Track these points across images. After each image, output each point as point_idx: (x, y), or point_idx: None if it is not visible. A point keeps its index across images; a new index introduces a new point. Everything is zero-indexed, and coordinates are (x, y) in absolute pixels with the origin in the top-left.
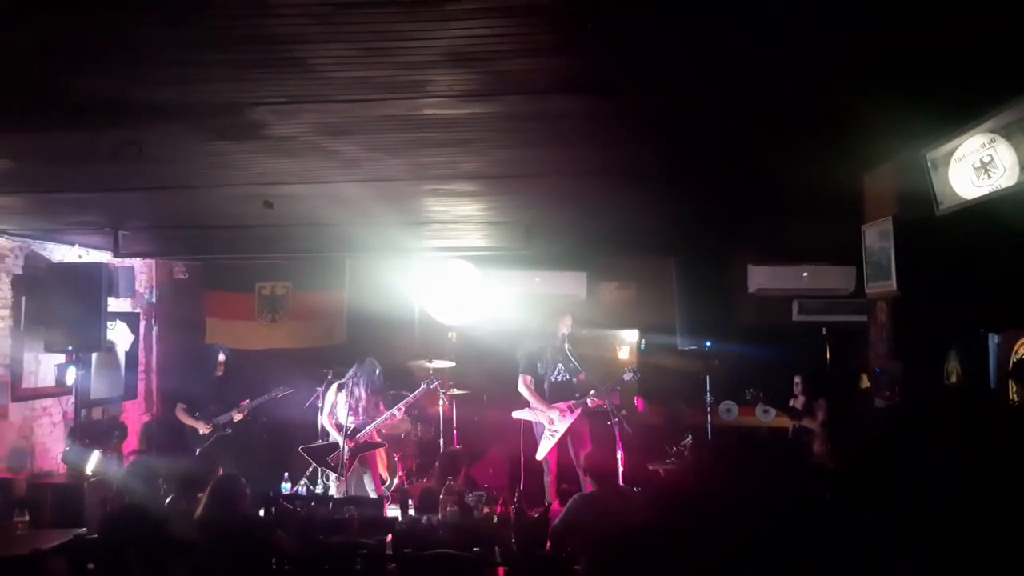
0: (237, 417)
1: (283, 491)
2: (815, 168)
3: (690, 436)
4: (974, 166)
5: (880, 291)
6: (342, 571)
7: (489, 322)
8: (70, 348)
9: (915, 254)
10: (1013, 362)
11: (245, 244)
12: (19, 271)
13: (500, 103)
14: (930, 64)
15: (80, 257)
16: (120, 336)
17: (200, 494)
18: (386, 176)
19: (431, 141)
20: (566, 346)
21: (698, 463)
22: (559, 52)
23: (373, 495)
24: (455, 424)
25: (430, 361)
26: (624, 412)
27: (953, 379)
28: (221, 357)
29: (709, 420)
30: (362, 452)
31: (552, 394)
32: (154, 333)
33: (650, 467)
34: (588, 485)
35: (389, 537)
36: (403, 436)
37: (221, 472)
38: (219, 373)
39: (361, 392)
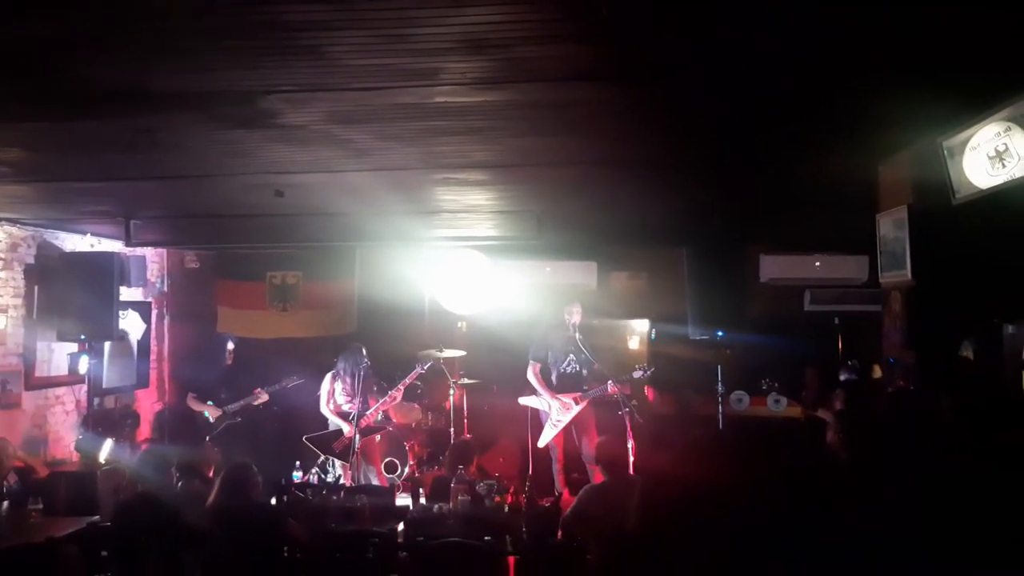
0: (261, 399)
1: (295, 479)
2: (830, 158)
3: (702, 427)
4: (989, 155)
5: (895, 281)
6: (354, 559)
7: (499, 312)
8: (83, 337)
9: (930, 243)
10: None
11: (256, 233)
12: (31, 260)
13: (514, 91)
14: (946, 52)
15: (92, 246)
16: (132, 325)
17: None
18: (398, 165)
19: (443, 129)
20: (577, 336)
21: (704, 454)
22: (574, 40)
23: (375, 483)
24: (465, 413)
25: (440, 351)
26: (635, 402)
27: (967, 369)
28: (230, 346)
29: (720, 410)
30: (365, 436)
31: (560, 384)
32: (166, 322)
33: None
34: (596, 475)
35: (401, 525)
36: (414, 425)
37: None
38: (229, 362)
39: (349, 378)
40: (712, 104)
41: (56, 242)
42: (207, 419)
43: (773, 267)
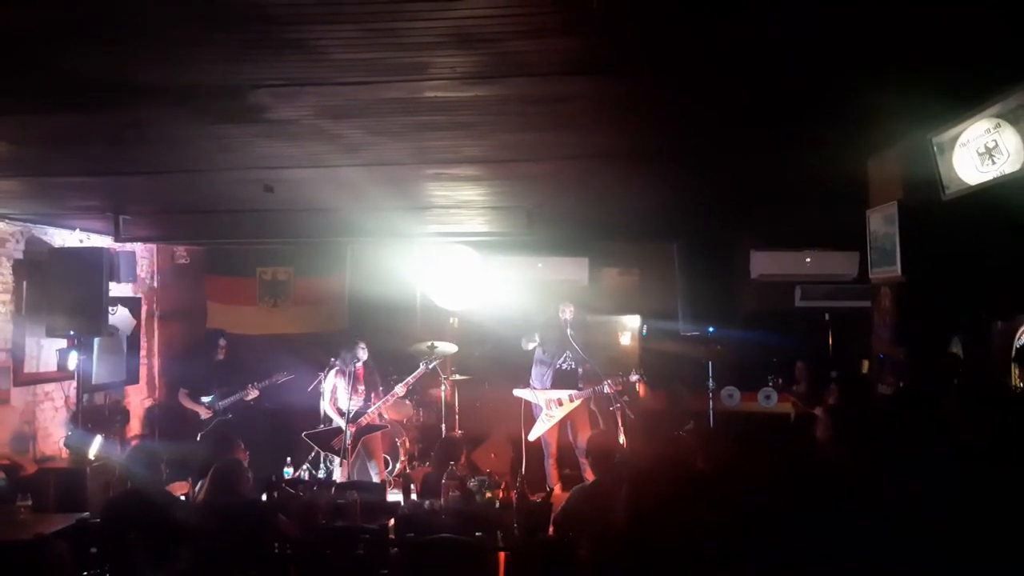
0: (252, 395)
1: (285, 475)
2: (821, 153)
3: (692, 423)
4: (978, 151)
5: (884, 277)
6: (344, 555)
7: (491, 308)
8: (72, 333)
9: (920, 239)
10: (1016, 348)
11: (246, 229)
12: (20, 256)
13: (503, 86)
14: (936, 49)
15: (81, 242)
16: (122, 321)
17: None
18: (388, 160)
19: (434, 125)
20: (569, 332)
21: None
22: (564, 34)
23: (376, 480)
24: (457, 409)
25: (433, 348)
26: (626, 398)
27: (956, 365)
28: (222, 342)
29: (711, 406)
30: (364, 435)
31: (556, 382)
32: (156, 318)
33: None
34: (588, 469)
35: (391, 522)
36: (405, 421)
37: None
38: (220, 357)
39: (351, 375)
40: (703, 99)
41: (45, 238)
42: (198, 416)
43: (764, 263)
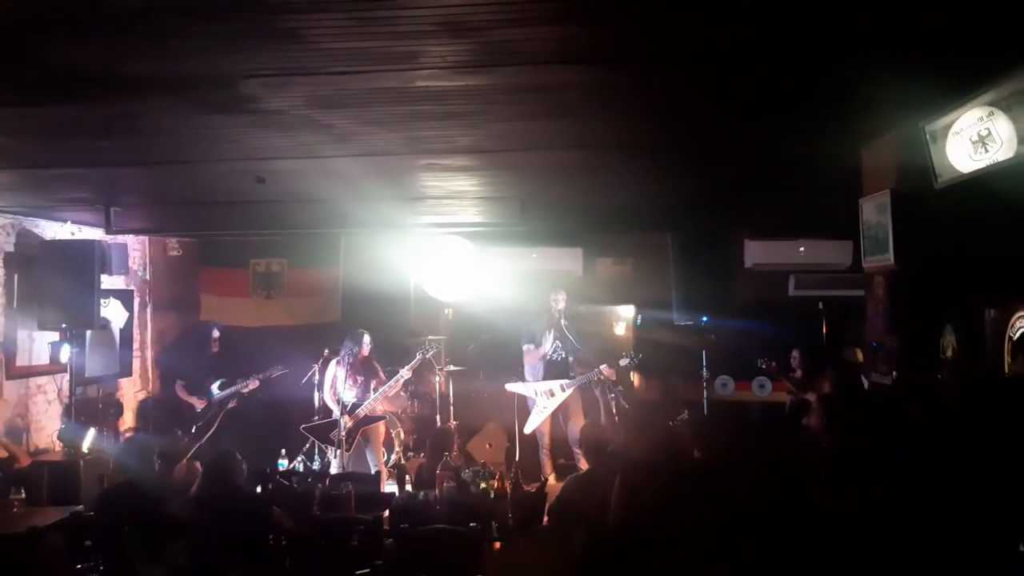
0: (252, 385)
1: (280, 467)
2: (813, 141)
3: (686, 412)
4: (972, 140)
5: (877, 265)
6: (339, 547)
7: (485, 298)
8: (64, 326)
9: (913, 228)
10: (1014, 338)
11: (239, 220)
12: (10, 248)
13: (495, 75)
14: (929, 36)
15: (72, 234)
16: (114, 314)
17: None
18: (380, 150)
19: (425, 114)
20: (563, 322)
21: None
22: (556, 22)
23: (375, 470)
24: (451, 400)
25: (427, 348)
26: (620, 388)
27: (949, 353)
28: (215, 334)
29: (706, 395)
30: (364, 426)
31: (548, 371)
32: (148, 310)
33: None
34: (583, 459)
35: (386, 513)
36: (400, 412)
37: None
38: (214, 350)
39: (351, 366)
40: (695, 88)
41: (36, 230)
42: (192, 408)
43: (757, 252)
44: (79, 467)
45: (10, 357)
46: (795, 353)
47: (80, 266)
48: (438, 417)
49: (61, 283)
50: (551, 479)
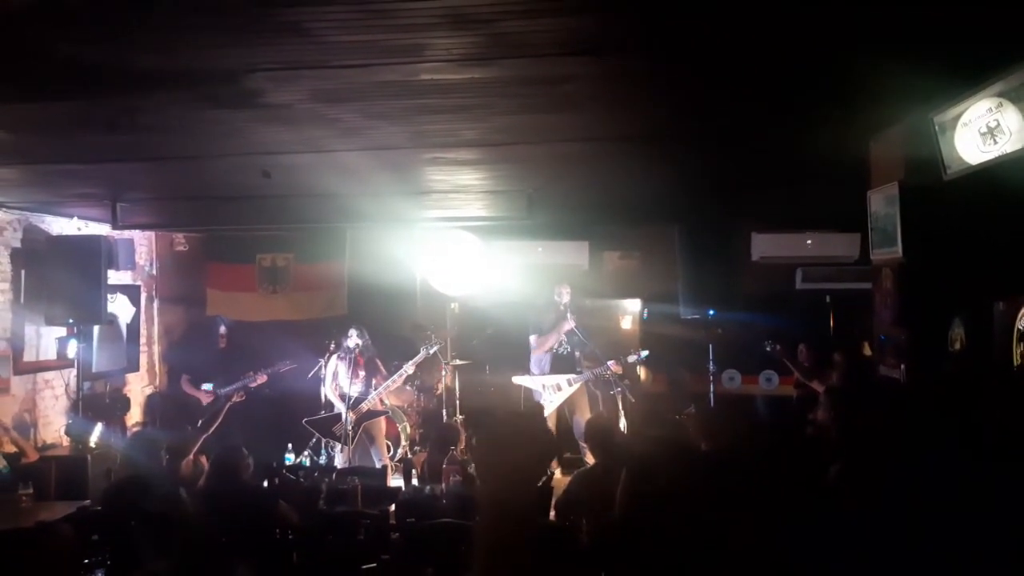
0: (260, 379)
1: (286, 462)
2: (821, 134)
3: (693, 406)
4: (980, 131)
5: (885, 258)
6: (345, 541)
7: (491, 292)
8: (71, 321)
9: (921, 220)
10: (1023, 330)
11: (245, 215)
12: (18, 244)
13: (500, 67)
14: (938, 26)
15: (79, 229)
16: (121, 309)
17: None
18: (385, 144)
19: (430, 107)
20: (569, 316)
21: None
22: (559, 14)
23: (379, 465)
24: (458, 394)
25: (430, 344)
26: (627, 381)
27: (957, 346)
28: (223, 329)
29: (712, 388)
30: (366, 421)
31: (553, 366)
32: (155, 305)
33: None
34: (589, 453)
35: (392, 507)
36: (406, 407)
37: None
38: (221, 345)
39: (352, 360)
40: (703, 78)
41: (43, 226)
42: (199, 403)
43: (764, 245)
44: (87, 462)
45: (18, 352)
46: (801, 347)
47: (87, 261)
48: (444, 411)
49: (68, 278)
50: (557, 473)
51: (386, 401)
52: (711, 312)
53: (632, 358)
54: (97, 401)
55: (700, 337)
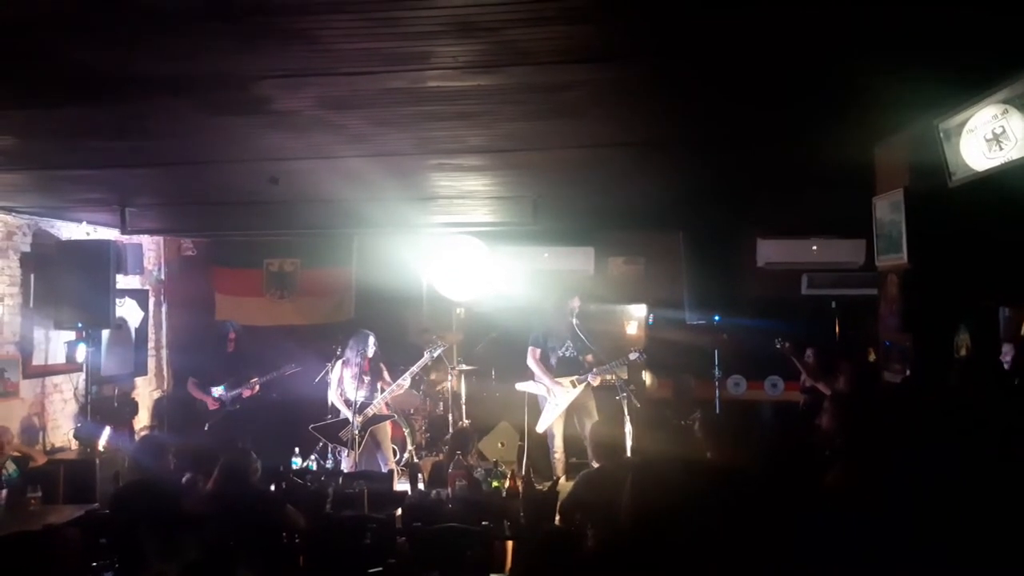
0: (246, 393)
1: (293, 466)
2: (826, 140)
3: (698, 411)
4: (986, 137)
5: (891, 264)
6: (352, 545)
7: (497, 298)
8: (80, 325)
9: (926, 226)
10: None
11: (253, 220)
12: (27, 249)
13: (506, 75)
14: (943, 33)
15: (88, 234)
16: (130, 313)
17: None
18: (392, 151)
19: (437, 114)
20: (574, 321)
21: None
22: (567, 21)
23: (385, 470)
24: (463, 399)
25: (434, 348)
26: (632, 386)
27: (963, 352)
28: (231, 334)
29: (717, 394)
30: (372, 426)
31: (559, 368)
32: (163, 310)
33: None
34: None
35: (399, 511)
36: (412, 411)
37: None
38: (230, 349)
39: (357, 366)
40: (708, 84)
41: (52, 230)
42: (206, 407)
43: (770, 251)
44: (95, 465)
45: (27, 356)
46: (809, 352)
47: (96, 266)
48: (450, 416)
49: (77, 283)
50: (563, 478)
51: (390, 405)
52: (716, 318)
53: (633, 356)
54: (105, 405)
55: (705, 342)
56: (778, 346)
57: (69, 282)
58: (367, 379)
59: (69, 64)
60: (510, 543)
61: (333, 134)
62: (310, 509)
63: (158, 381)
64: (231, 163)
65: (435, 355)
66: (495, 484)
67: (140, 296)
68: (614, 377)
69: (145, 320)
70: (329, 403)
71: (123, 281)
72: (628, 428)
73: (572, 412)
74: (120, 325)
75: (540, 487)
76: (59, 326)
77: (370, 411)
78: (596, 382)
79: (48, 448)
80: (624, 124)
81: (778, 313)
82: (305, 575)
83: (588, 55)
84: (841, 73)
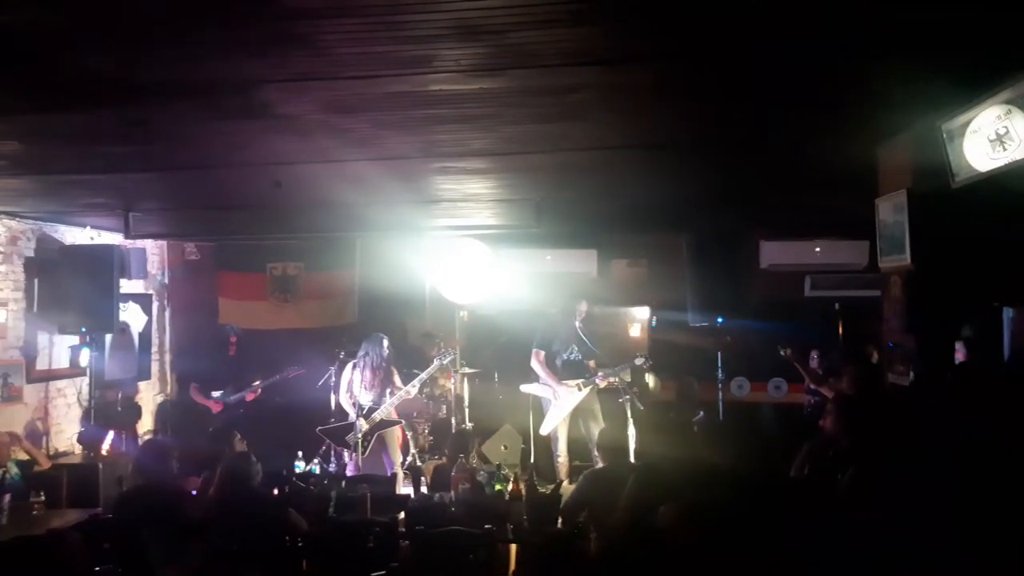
0: (249, 397)
1: (296, 469)
2: (829, 141)
3: (702, 413)
4: (989, 138)
5: (894, 265)
6: (355, 548)
7: (500, 300)
8: (83, 330)
9: (930, 227)
10: None
11: (256, 224)
12: (31, 253)
13: (509, 78)
14: (946, 33)
15: (92, 239)
16: (133, 317)
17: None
18: (395, 154)
19: (440, 118)
20: (578, 324)
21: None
22: (569, 24)
23: (392, 472)
24: (467, 402)
25: (443, 354)
26: (635, 389)
27: (964, 353)
28: (232, 337)
29: (721, 396)
30: (379, 430)
31: (564, 371)
32: (167, 314)
33: None
34: (601, 462)
35: (402, 515)
36: (415, 415)
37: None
38: (231, 353)
39: (370, 369)
40: (711, 87)
41: (56, 235)
42: (210, 411)
43: (773, 253)
44: (98, 470)
45: (31, 361)
46: (814, 354)
47: (99, 270)
48: (453, 419)
49: (81, 287)
50: (566, 482)
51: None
52: (720, 320)
53: (639, 360)
54: (109, 409)
55: (709, 345)
56: (782, 353)
57: (73, 287)
58: (378, 383)
59: (73, 69)
60: (513, 546)
61: (336, 138)
62: (313, 513)
63: (161, 385)
64: (234, 167)
65: (445, 363)
66: (498, 487)
67: (144, 300)
68: (618, 380)
69: (149, 324)
70: (333, 406)
71: (127, 285)
72: (631, 431)
73: (577, 415)
74: (124, 329)
75: (543, 490)
76: (63, 331)
77: (378, 416)
78: (603, 384)
79: (52, 452)
80: (628, 127)
81: (782, 315)
82: None
83: (592, 58)
84: (844, 75)
